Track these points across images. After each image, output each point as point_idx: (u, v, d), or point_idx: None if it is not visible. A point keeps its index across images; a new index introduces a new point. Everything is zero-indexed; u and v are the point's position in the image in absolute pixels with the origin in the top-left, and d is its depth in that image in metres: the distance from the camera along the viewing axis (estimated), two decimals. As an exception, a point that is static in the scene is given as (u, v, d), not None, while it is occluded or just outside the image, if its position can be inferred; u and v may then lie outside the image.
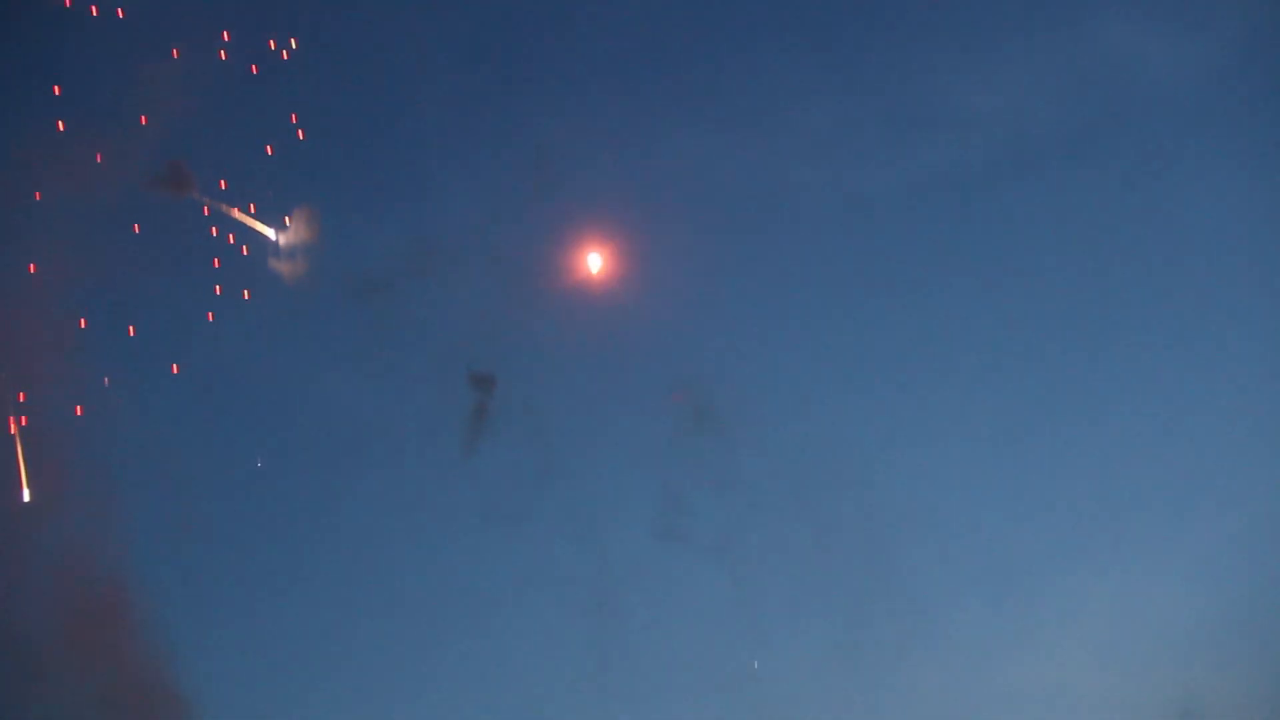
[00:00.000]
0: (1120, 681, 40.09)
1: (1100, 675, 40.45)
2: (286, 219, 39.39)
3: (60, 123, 37.24)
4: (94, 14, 37.82)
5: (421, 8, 42.37)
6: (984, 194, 44.35)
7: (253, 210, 38.96)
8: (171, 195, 37.96)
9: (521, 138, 41.44)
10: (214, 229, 38.55)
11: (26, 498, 37.22)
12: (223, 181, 38.71)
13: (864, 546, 41.22)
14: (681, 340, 41.68)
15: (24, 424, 36.97)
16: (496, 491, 40.01)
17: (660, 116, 42.20)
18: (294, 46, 39.32)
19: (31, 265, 37.05)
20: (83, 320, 38.02)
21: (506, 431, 40.22)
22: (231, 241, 38.90)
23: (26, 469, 37.14)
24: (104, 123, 37.82)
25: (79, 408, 37.37)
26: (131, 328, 38.76)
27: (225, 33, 39.13)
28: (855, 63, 44.61)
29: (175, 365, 38.64)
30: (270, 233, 38.89)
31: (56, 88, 37.37)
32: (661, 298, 40.82)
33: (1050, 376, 43.58)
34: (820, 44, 44.53)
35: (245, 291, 38.73)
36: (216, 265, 38.78)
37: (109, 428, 37.98)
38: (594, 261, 39.96)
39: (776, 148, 43.11)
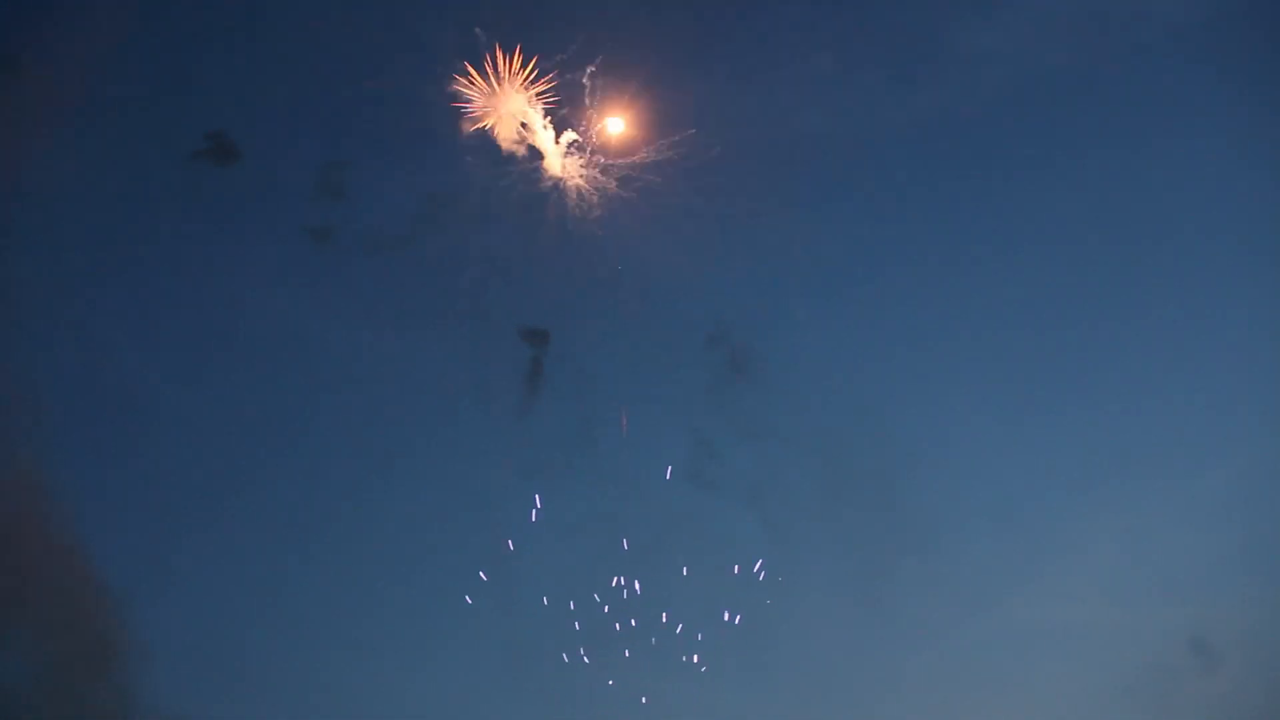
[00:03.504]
0: (1129, 613, 41.46)
1: (1109, 608, 41.79)
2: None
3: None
4: None
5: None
6: (993, 133, 44.77)
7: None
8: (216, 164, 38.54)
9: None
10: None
11: None
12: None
13: (884, 489, 42.64)
14: (710, 292, 42.57)
15: None
16: (538, 442, 41.05)
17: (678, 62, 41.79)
18: None
19: None
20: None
21: (548, 384, 41.26)
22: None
23: None
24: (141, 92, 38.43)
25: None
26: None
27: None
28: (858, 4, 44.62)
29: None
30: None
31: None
32: (689, 250, 41.18)
33: (1060, 321, 44.35)
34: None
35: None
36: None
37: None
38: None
39: (785, 93, 43.01)
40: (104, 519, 40.00)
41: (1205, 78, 42.62)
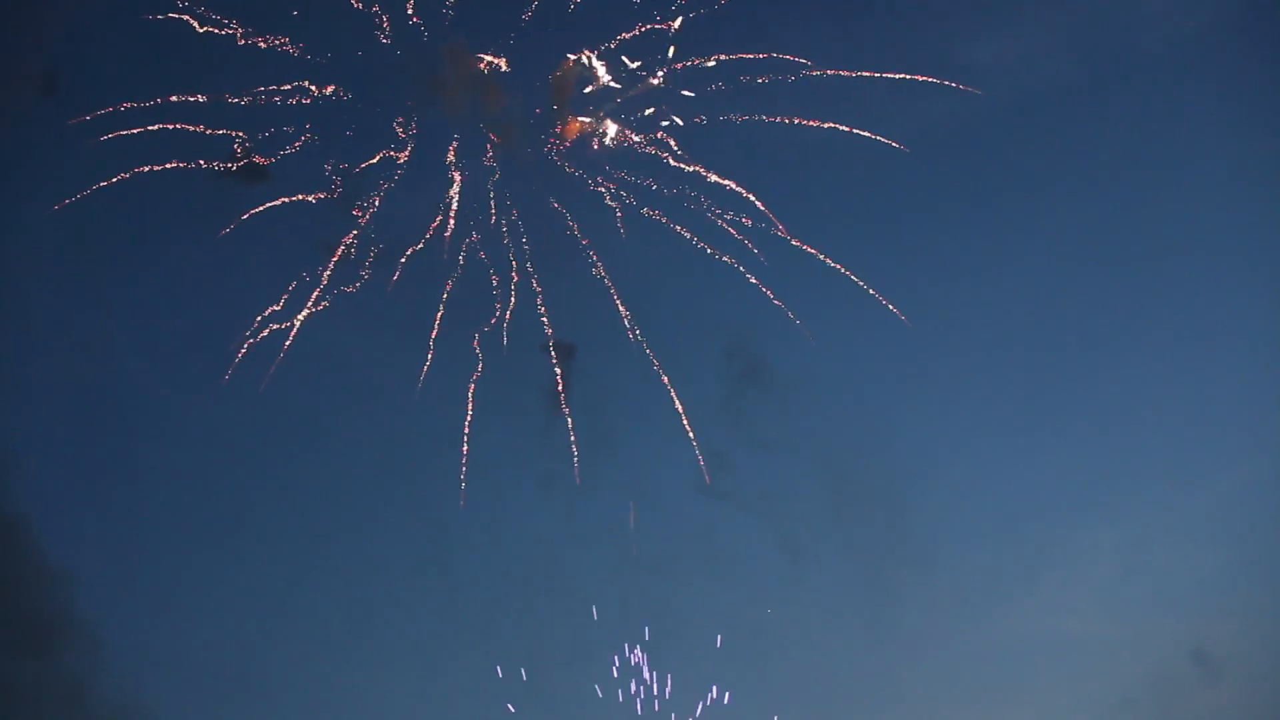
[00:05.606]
0: (1128, 625, 41.95)
1: (1109, 620, 42.34)
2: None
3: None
4: None
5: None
6: (997, 145, 45.49)
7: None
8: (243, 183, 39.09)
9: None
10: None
11: None
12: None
13: (887, 502, 43.16)
14: (720, 306, 42.95)
15: None
16: (556, 454, 41.31)
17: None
18: None
19: None
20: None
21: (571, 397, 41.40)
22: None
23: None
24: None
25: None
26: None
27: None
28: (862, 13, 45.20)
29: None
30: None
31: None
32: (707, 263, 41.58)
33: (1059, 336, 44.91)
34: None
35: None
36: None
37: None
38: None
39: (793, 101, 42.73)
40: (103, 519, 42.08)
41: (1208, 88, 43.24)
